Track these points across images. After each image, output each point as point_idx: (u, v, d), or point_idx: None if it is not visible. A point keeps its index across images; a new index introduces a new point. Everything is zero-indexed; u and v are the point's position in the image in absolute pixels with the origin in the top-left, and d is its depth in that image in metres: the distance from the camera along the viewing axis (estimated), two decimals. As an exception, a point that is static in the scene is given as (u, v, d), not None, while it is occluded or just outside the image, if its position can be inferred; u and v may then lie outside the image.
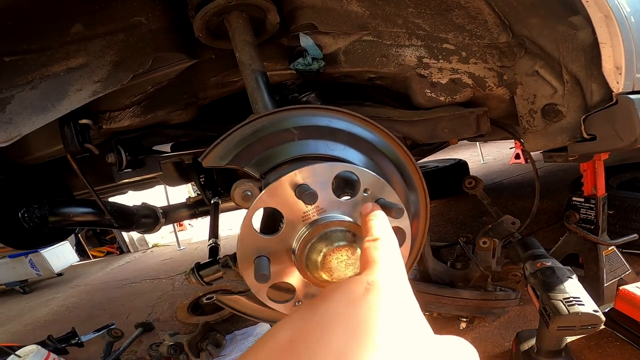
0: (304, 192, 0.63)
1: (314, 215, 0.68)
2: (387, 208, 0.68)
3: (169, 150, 1.51)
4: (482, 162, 8.46)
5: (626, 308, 1.96)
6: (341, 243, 0.64)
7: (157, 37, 1.21)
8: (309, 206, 0.67)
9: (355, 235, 0.67)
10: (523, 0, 1.18)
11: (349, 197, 0.71)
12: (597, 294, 2.25)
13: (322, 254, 0.64)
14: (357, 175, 0.70)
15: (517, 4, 1.20)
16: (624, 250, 2.45)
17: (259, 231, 0.69)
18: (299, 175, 0.67)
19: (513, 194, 5.27)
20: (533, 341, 1.90)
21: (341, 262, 0.64)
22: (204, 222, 9.96)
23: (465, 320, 2.37)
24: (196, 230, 9.60)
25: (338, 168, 0.70)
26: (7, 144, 1.09)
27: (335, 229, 0.66)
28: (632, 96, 1.13)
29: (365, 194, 0.71)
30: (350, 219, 0.68)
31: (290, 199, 0.67)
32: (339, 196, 0.69)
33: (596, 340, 2.13)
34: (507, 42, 1.30)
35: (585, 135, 1.26)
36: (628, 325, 1.98)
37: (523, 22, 1.24)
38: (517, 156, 7.31)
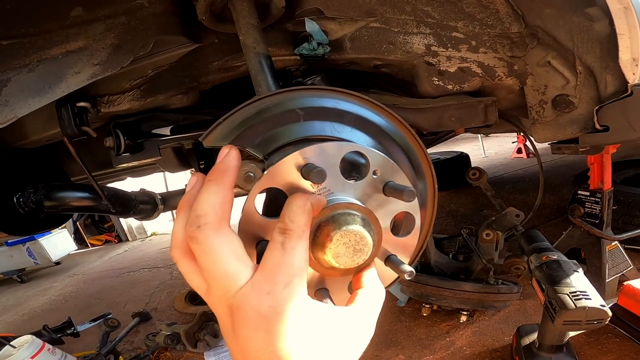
0: (311, 171, 0.60)
1: None
2: (398, 191, 0.65)
3: (169, 134, 1.48)
4: (483, 155, 8.47)
5: (630, 304, 1.96)
6: (349, 227, 0.61)
7: (159, 20, 1.18)
8: (315, 187, 0.64)
9: (364, 220, 0.64)
10: None
11: (354, 180, 0.68)
12: (598, 289, 2.24)
13: (328, 238, 0.61)
14: (366, 156, 0.67)
15: None
16: (626, 246, 2.45)
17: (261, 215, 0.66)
18: (306, 155, 0.63)
19: (514, 187, 5.27)
20: (534, 336, 1.89)
21: (349, 247, 0.61)
22: (203, 211, 9.97)
23: (465, 313, 2.37)
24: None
25: (347, 148, 0.67)
26: (2, 126, 1.07)
27: (343, 211, 0.63)
28: (647, 87, 1.12)
29: (374, 176, 0.68)
30: (359, 202, 0.65)
31: (296, 179, 0.63)
32: (346, 179, 0.66)
33: (596, 336, 2.13)
34: (519, 32, 1.28)
35: (597, 126, 1.25)
36: (631, 322, 1.97)
37: (537, 12, 1.22)
38: (519, 150, 7.33)
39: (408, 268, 0.64)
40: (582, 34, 1.18)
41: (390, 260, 0.69)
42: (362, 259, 0.62)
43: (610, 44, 1.14)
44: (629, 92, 1.14)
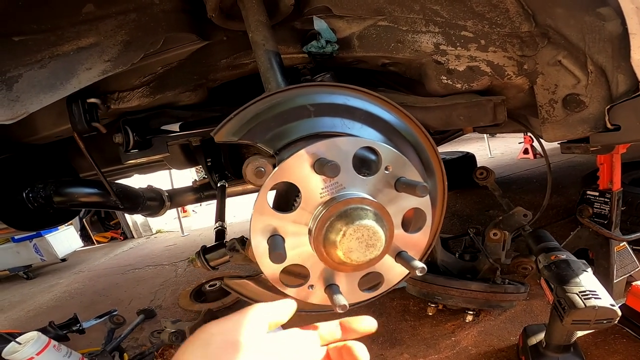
0: (325, 165, 0.60)
1: (333, 192, 0.65)
2: (411, 186, 0.65)
3: (178, 130, 1.49)
4: (489, 156, 8.45)
5: (638, 304, 1.95)
6: (362, 222, 0.61)
7: (169, 18, 1.20)
8: (328, 181, 0.64)
9: (376, 215, 0.64)
10: None
11: (366, 175, 0.68)
12: (606, 289, 2.23)
13: (341, 232, 0.61)
14: (378, 152, 0.67)
15: None
16: (634, 247, 2.44)
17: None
18: (318, 149, 0.63)
19: (521, 188, 5.25)
20: (541, 336, 1.88)
21: (361, 242, 0.61)
22: (208, 209, 10.00)
23: (471, 313, 2.36)
24: (200, 217, 9.61)
25: (359, 143, 0.67)
26: (13, 121, 1.08)
27: (355, 206, 0.63)
28: (658, 87, 1.12)
29: (386, 172, 0.68)
30: (371, 197, 0.65)
31: (308, 174, 0.64)
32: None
33: (603, 337, 2.12)
34: (529, 31, 1.28)
35: (609, 126, 1.25)
36: (639, 322, 1.96)
37: (548, 11, 1.22)
38: (525, 151, 7.30)
39: (419, 264, 0.64)
40: (593, 34, 1.18)
41: (401, 257, 0.69)
42: (374, 254, 0.62)
43: (622, 43, 1.14)
44: (641, 91, 1.13)
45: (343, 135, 0.76)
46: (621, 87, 1.20)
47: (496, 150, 8.91)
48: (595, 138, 1.32)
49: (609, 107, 1.23)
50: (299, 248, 0.68)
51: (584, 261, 1.67)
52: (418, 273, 0.63)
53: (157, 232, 8.67)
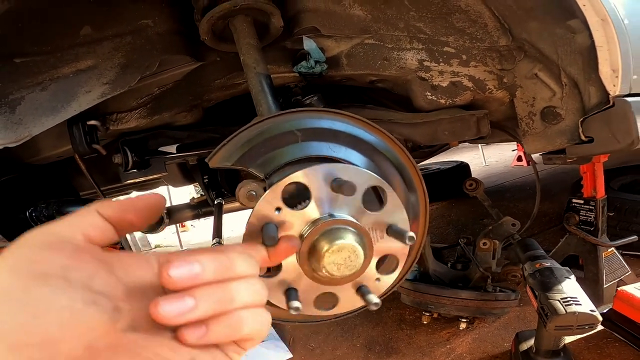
0: (342, 185, 0.65)
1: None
2: (400, 234, 0.70)
3: (175, 151, 1.52)
4: (484, 164, 8.46)
5: (625, 308, 1.98)
6: (342, 241, 0.66)
7: (164, 40, 1.23)
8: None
9: (359, 236, 0.68)
10: (523, 3, 1.21)
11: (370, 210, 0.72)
12: (596, 295, 2.26)
13: (323, 250, 0.66)
14: (386, 196, 0.72)
15: (517, 7, 1.22)
16: (623, 252, 2.46)
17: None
18: (336, 170, 0.69)
19: (514, 196, 5.27)
20: (532, 341, 1.91)
21: (343, 259, 0.66)
22: (206, 223, 9.97)
23: (465, 320, 2.39)
24: (199, 231, 9.59)
25: (373, 181, 0.72)
26: (17, 144, 1.10)
27: (338, 227, 0.68)
28: (628, 99, 1.16)
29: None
30: (354, 219, 0.70)
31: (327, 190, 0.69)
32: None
33: (595, 341, 2.14)
34: (507, 45, 1.33)
35: (583, 138, 1.28)
36: (626, 326, 1.99)
37: (523, 25, 1.27)
38: (519, 159, 7.32)
39: (375, 299, 0.68)
40: (565, 46, 1.23)
41: (361, 291, 0.73)
42: (350, 272, 0.67)
43: (591, 55, 1.18)
44: (611, 103, 1.17)
45: (327, 159, 0.81)
46: (593, 99, 1.24)
47: (490, 158, 8.92)
48: (571, 150, 1.36)
49: (582, 119, 1.27)
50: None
51: (567, 268, 1.70)
52: (373, 307, 0.67)
53: (155, 247, 8.64)
